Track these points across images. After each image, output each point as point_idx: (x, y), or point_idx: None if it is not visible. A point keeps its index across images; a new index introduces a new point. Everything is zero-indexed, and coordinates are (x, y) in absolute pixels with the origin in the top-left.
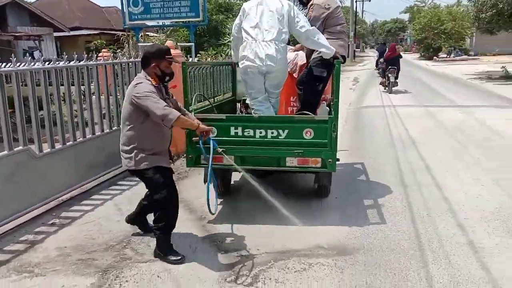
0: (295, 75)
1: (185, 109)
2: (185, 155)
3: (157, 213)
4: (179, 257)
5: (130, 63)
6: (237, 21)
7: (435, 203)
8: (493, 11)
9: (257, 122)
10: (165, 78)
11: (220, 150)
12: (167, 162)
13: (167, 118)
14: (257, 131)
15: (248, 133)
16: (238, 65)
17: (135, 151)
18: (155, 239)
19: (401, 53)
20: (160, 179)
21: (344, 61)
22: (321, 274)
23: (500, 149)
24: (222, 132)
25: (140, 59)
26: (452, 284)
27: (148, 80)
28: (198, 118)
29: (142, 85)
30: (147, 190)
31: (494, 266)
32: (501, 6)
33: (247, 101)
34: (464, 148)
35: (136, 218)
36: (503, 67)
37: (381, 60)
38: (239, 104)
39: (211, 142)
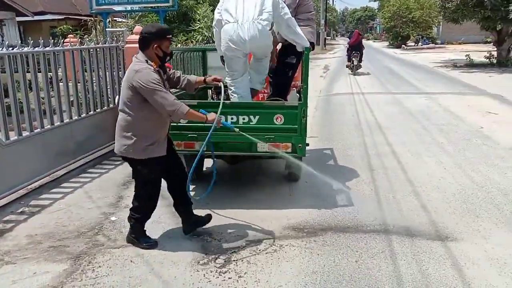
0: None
1: (185, 75)
2: None
3: (138, 204)
4: (151, 242)
5: (98, 49)
6: (216, 16)
7: (400, 186)
8: (458, 1)
9: (228, 108)
10: (165, 58)
11: (237, 130)
12: (164, 149)
13: (176, 114)
14: (229, 117)
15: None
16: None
17: (135, 139)
18: (127, 225)
19: (372, 41)
20: (150, 174)
21: (313, 48)
22: (291, 255)
23: (461, 134)
24: None
25: (138, 40)
26: (415, 261)
27: (150, 65)
28: None
29: (145, 72)
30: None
31: (453, 244)
32: None
33: (225, 81)
34: (427, 132)
35: (189, 222)
36: (467, 55)
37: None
38: (210, 91)
39: (227, 125)
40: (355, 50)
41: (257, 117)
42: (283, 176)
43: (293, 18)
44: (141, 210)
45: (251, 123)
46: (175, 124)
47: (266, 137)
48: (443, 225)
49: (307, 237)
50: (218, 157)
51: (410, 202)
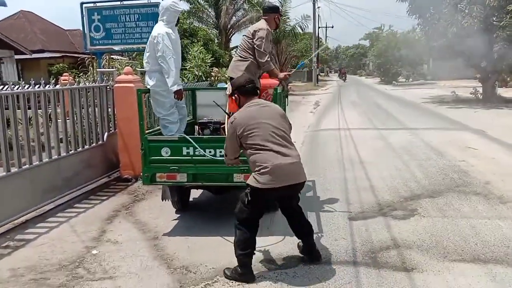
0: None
1: None
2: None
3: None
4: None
5: (88, 89)
6: None
7: (373, 219)
8: (443, 39)
9: (206, 142)
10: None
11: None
12: None
13: None
14: (207, 150)
15: (199, 152)
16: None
17: None
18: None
19: (364, 78)
20: None
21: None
22: (262, 286)
23: (439, 169)
24: (175, 152)
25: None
26: None
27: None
28: (152, 140)
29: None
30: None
31: (417, 275)
32: (449, 35)
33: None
34: (407, 167)
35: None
36: (452, 91)
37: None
38: (196, 127)
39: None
40: (343, 74)
41: None
42: None
43: (166, 57)
44: None
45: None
46: (157, 157)
47: (241, 168)
48: (410, 257)
49: (279, 269)
50: (204, 188)
51: (381, 234)
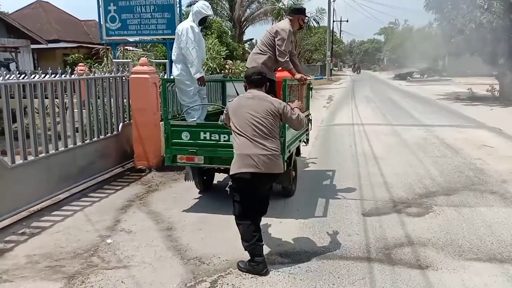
0: None
1: None
2: (155, 168)
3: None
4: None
5: (104, 79)
6: None
7: (387, 216)
8: (461, 36)
9: (221, 128)
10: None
11: None
12: None
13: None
14: (221, 135)
15: (214, 137)
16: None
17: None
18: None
19: (378, 73)
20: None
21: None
22: (275, 280)
23: (455, 166)
24: (194, 136)
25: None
26: None
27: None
28: (174, 125)
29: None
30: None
31: (432, 273)
32: (467, 32)
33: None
34: (422, 164)
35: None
36: (469, 89)
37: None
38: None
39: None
40: (357, 68)
41: None
42: (279, 192)
43: (189, 47)
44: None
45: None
46: (178, 140)
47: None
48: (424, 254)
49: (292, 263)
50: (222, 171)
51: (395, 231)
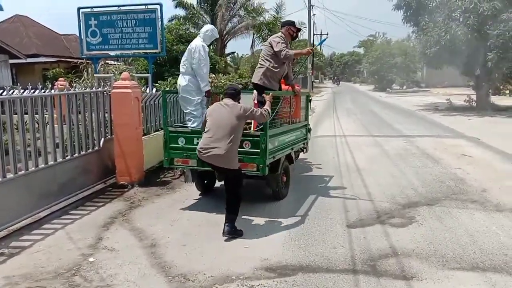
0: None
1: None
2: (138, 184)
3: (234, 202)
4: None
5: (85, 94)
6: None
7: (372, 226)
8: (437, 47)
9: None
10: None
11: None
12: None
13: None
14: None
15: None
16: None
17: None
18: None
19: (358, 85)
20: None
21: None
22: None
23: (436, 176)
24: (189, 141)
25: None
26: None
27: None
28: (172, 131)
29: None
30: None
31: (417, 283)
32: (443, 43)
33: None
34: (403, 175)
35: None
36: (447, 99)
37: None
38: None
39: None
40: (336, 81)
41: None
42: (269, 196)
43: (199, 64)
44: (236, 205)
45: None
46: (175, 145)
47: (238, 157)
48: (409, 265)
49: (278, 278)
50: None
51: (380, 242)
